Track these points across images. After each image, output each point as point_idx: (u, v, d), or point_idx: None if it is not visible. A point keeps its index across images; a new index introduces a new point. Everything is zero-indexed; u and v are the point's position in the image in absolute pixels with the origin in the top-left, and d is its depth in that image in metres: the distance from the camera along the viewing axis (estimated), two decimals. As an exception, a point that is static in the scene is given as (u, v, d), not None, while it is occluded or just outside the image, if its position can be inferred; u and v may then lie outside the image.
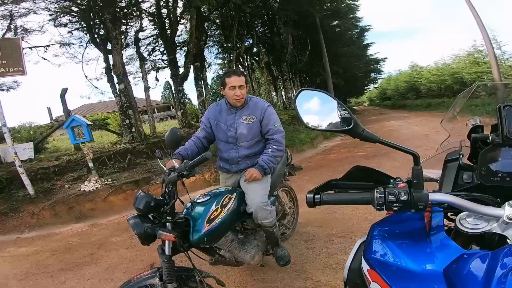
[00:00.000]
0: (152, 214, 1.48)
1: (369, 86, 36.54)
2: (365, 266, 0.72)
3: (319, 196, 0.71)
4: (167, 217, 1.47)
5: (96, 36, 7.75)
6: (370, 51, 25.74)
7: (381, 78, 31.90)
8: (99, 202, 4.67)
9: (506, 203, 0.59)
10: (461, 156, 0.83)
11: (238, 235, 1.92)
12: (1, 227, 4.18)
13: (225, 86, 1.94)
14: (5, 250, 3.34)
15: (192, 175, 1.53)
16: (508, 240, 0.58)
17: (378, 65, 28.14)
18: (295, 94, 0.77)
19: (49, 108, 10.63)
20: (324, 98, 0.73)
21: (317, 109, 0.74)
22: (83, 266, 2.73)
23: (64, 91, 7.00)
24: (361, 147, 7.02)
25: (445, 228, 0.72)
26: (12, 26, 7.47)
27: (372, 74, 30.88)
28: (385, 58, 27.15)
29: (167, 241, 1.43)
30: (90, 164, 5.11)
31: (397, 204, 0.62)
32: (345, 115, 0.69)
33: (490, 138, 0.83)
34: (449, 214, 0.77)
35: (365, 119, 16.93)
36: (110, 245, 3.25)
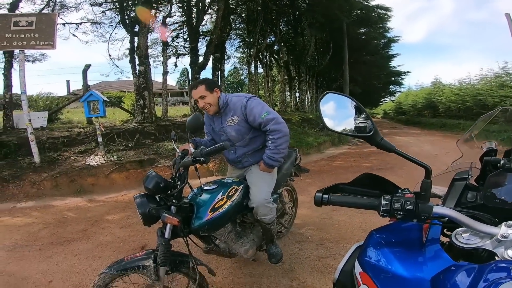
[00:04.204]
0: (159, 195, 1.49)
1: (385, 98, 35.61)
2: (357, 269, 0.75)
3: (327, 196, 0.74)
4: (174, 200, 1.47)
5: (126, 17, 7.95)
6: (394, 62, 25.02)
7: (400, 92, 30.93)
8: (101, 178, 4.67)
9: (503, 223, 0.61)
10: (469, 176, 0.84)
11: (236, 227, 1.92)
12: (0, 194, 4.14)
13: None
14: (-1, 219, 3.31)
15: (206, 163, 1.53)
16: (496, 257, 0.60)
17: (400, 78, 27.39)
18: (320, 96, 0.79)
19: (68, 82, 10.98)
20: (348, 103, 0.75)
21: (340, 112, 0.76)
22: (74, 242, 2.71)
23: (87, 67, 7.43)
24: (367, 159, 6.95)
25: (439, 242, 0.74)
26: (51, 2, 7.69)
27: (391, 86, 30.00)
28: (408, 72, 26.18)
29: (168, 224, 1.43)
30: (99, 139, 5.13)
31: (401, 213, 0.64)
32: (367, 122, 0.71)
33: (501, 162, 0.84)
34: (445, 230, 0.79)
35: (377, 131, 16.63)
36: (104, 222, 3.24)
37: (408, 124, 21.32)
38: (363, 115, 0.72)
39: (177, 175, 1.52)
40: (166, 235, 1.42)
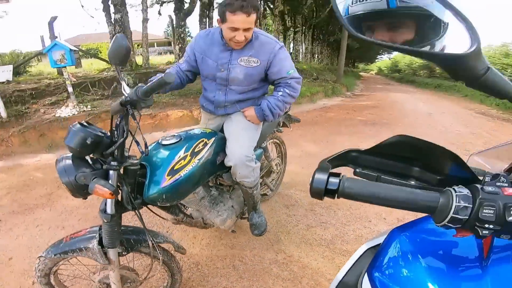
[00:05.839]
0: (93, 156, 1.06)
1: (382, 56, 34.70)
2: (366, 286, 0.48)
3: (338, 180, 0.38)
4: (112, 162, 1.04)
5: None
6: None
7: (401, 51, 30.22)
8: (72, 131, 4.40)
9: None
10: None
11: (210, 191, 1.59)
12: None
13: (224, 21, 1.34)
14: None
15: (147, 106, 1.07)
16: None
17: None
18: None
19: (42, 37, 9.73)
20: None
21: None
22: (37, 209, 2.46)
23: (53, 19, 6.70)
24: (361, 112, 6.73)
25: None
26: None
27: (393, 45, 29.07)
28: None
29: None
30: (70, 89, 4.72)
31: (492, 226, 0.31)
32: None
33: None
34: None
35: (370, 86, 16.40)
36: (72, 183, 2.98)
37: (402, 82, 21.09)
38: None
39: (116, 127, 1.08)
40: (108, 210, 1.06)
